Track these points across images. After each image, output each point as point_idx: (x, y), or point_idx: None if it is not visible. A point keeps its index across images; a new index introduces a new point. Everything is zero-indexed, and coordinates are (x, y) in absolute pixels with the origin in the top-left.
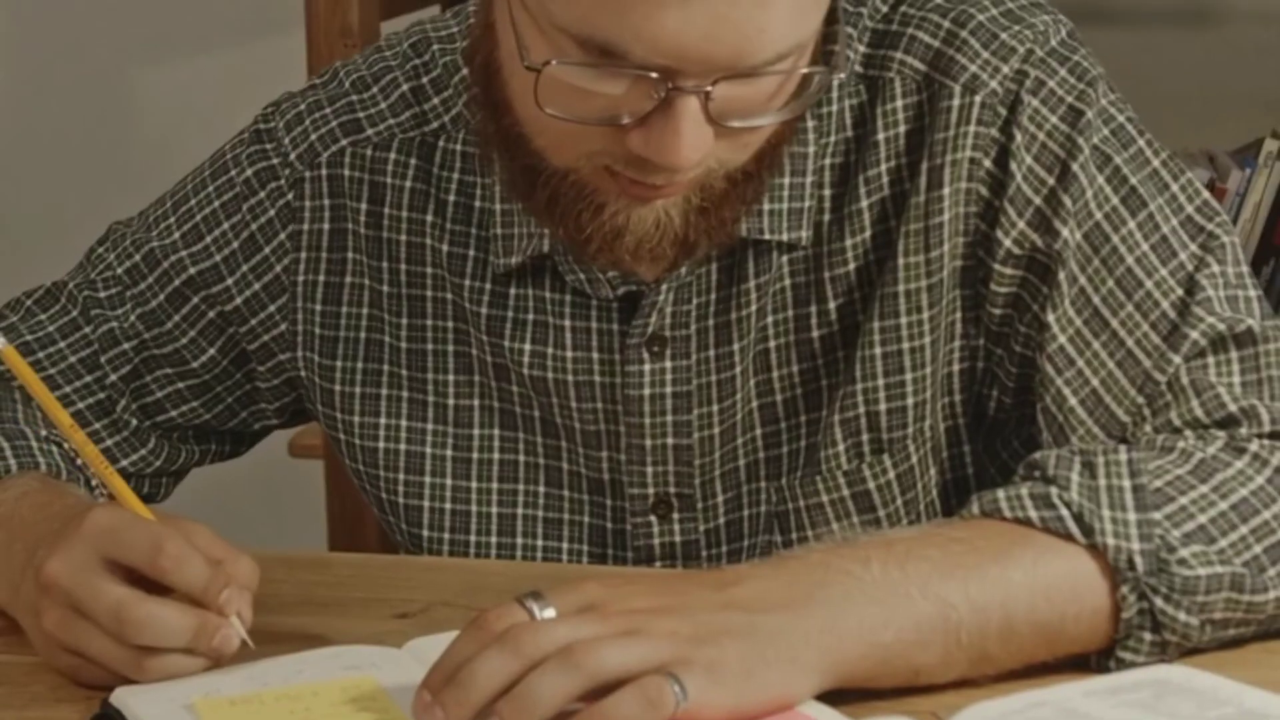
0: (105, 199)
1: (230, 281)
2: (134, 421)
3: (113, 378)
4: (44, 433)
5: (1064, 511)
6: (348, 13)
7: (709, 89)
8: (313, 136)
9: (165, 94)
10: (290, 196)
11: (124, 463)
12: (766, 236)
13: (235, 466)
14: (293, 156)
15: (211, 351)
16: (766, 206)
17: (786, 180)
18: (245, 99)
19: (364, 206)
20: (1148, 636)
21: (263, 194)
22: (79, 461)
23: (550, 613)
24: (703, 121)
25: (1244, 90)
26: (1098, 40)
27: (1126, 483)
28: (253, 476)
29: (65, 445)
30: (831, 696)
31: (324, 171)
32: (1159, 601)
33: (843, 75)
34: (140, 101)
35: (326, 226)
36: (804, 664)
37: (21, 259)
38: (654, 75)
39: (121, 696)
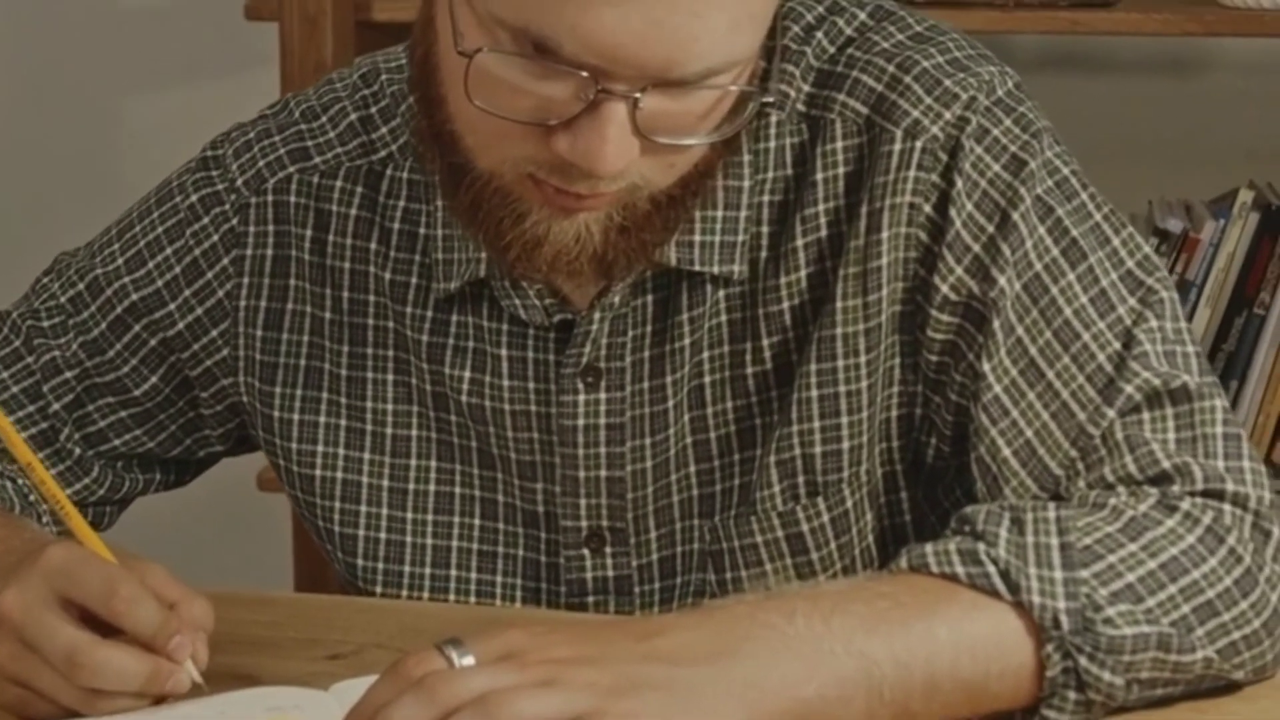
0: (83, 229)
1: (173, 306)
2: (77, 450)
3: (55, 407)
4: None
5: (990, 568)
6: (322, 48)
7: (638, 96)
8: (260, 163)
9: (143, 126)
10: (235, 221)
11: (67, 492)
12: (698, 268)
13: (204, 500)
14: (239, 182)
15: (154, 379)
16: (698, 238)
17: (720, 213)
18: (220, 132)
19: (309, 233)
20: (1072, 695)
21: (207, 219)
22: (32, 498)
23: (469, 660)
24: (629, 130)
25: (1222, 141)
26: (1075, 88)
27: (1054, 540)
28: (221, 510)
29: (19, 480)
30: None
31: (270, 198)
32: (1084, 660)
33: (773, 101)
34: (118, 135)
35: (270, 252)
36: (724, 718)
37: (3, 284)
38: (584, 75)
39: None
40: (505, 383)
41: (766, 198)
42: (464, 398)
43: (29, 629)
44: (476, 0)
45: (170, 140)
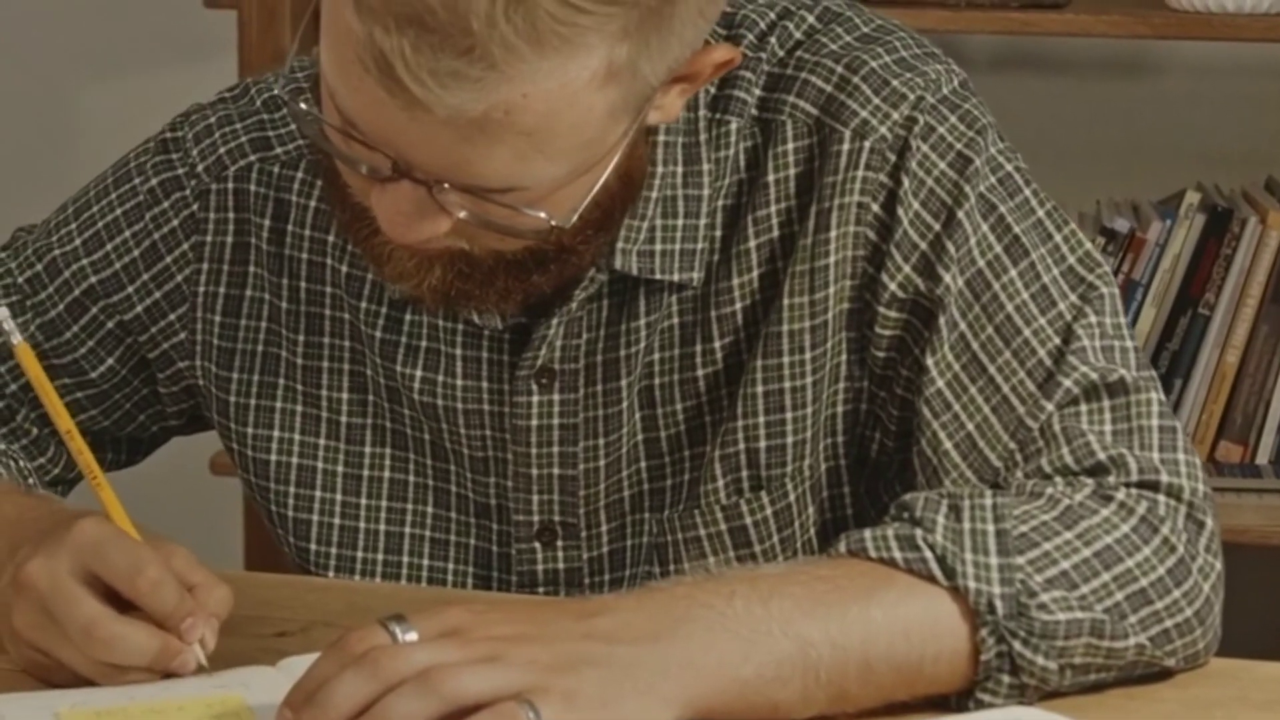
0: (39, 218)
1: (131, 290)
2: (34, 430)
3: (13, 387)
4: (1, 446)
5: (927, 553)
6: (280, 37)
7: (432, 184)
8: (221, 150)
9: (98, 114)
10: (195, 207)
11: (24, 467)
12: (658, 276)
13: (156, 482)
14: (200, 168)
15: (110, 361)
16: (659, 247)
17: (680, 222)
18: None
19: (268, 222)
20: (1006, 679)
21: (167, 204)
22: (30, 481)
23: (412, 636)
24: (431, 208)
25: (1170, 142)
26: (1026, 89)
27: (990, 527)
28: (174, 493)
29: (20, 463)
30: None
31: (230, 185)
32: (1017, 645)
33: (556, 226)
34: (73, 121)
35: (229, 239)
36: (662, 696)
37: None
38: (385, 154)
39: None
40: (459, 382)
41: (721, 202)
42: (415, 395)
43: (52, 599)
44: (321, 66)
45: (128, 129)
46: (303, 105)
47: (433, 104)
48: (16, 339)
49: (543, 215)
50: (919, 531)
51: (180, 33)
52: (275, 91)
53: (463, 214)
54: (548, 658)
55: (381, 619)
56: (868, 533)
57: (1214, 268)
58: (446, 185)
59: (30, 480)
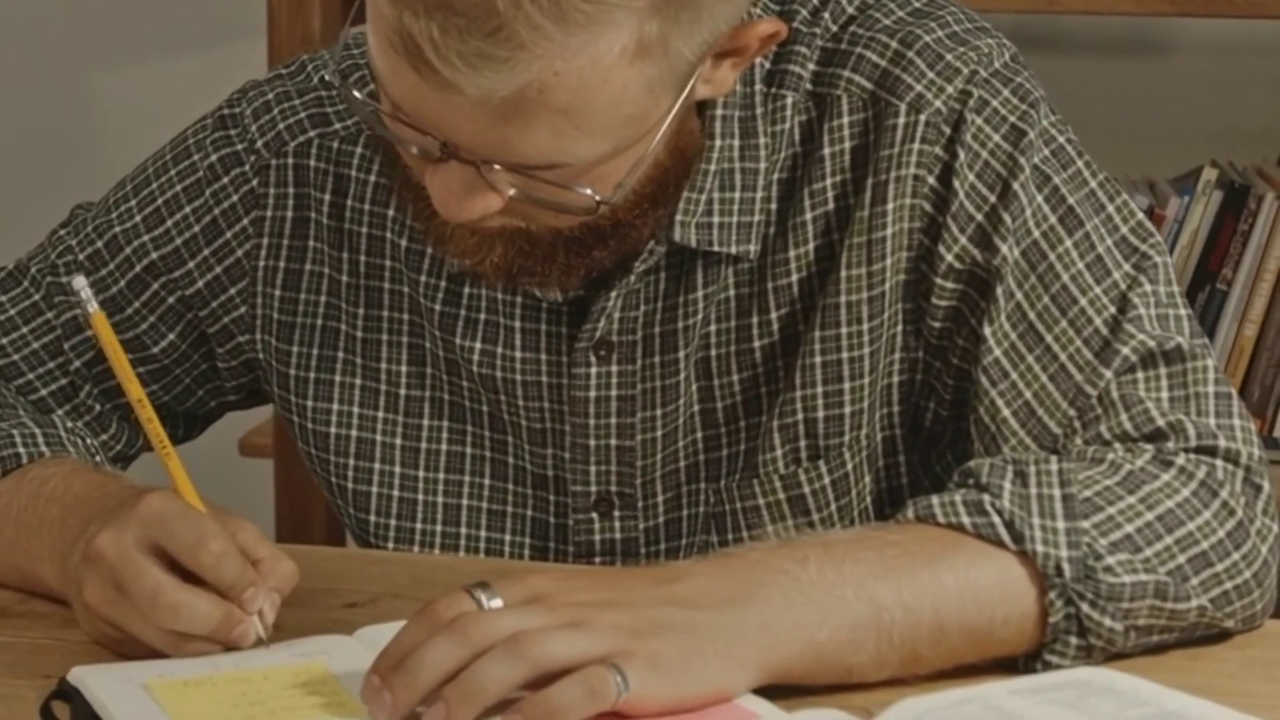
0: (66, 201)
1: (191, 265)
2: (97, 406)
3: (76, 364)
4: (69, 424)
5: (995, 518)
6: (310, 20)
7: (480, 164)
8: (280, 126)
9: (127, 97)
10: (255, 183)
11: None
12: (716, 249)
13: (186, 464)
14: (259, 144)
15: (171, 337)
16: (717, 219)
17: (737, 194)
18: (207, 104)
19: (327, 197)
20: (1074, 640)
21: (226, 179)
22: (98, 458)
23: (497, 603)
24: (481, 186)
25: (1186, 120)
26: (1044, 67)
27: (1057, 492)
28: (203, 474)
29: (86, 440)
30: (767, 691)
31: (290, 160)
32: (1085, 607)
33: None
34: (102, 104)
35: (289, 214)
36: (741, 659)
37: None
38: (433, 137)
39: (79, 675)
40: (517, 354)
41: (777, 175)
42: (474, 367)
43: (120, 570)
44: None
45: (158, 112)
46: (356, 93)
47: (463, 85)
48: (93, 307)
49: (588, 191)
50: (986, 497)
51: (209, 16)
52: (331, 69)
53: (512, 191)
54: (631, 623)
55: (466, 586)
56: (935, 499)
57: (1231, 243)
58: (496, 166)
59: (98, 457)
